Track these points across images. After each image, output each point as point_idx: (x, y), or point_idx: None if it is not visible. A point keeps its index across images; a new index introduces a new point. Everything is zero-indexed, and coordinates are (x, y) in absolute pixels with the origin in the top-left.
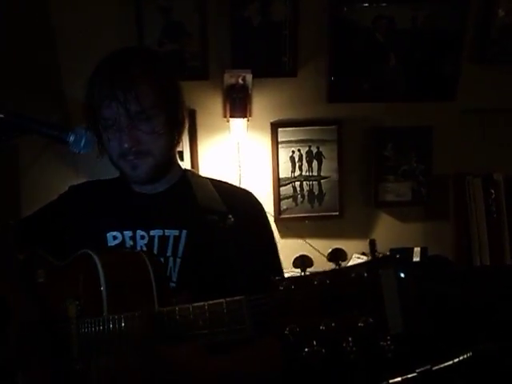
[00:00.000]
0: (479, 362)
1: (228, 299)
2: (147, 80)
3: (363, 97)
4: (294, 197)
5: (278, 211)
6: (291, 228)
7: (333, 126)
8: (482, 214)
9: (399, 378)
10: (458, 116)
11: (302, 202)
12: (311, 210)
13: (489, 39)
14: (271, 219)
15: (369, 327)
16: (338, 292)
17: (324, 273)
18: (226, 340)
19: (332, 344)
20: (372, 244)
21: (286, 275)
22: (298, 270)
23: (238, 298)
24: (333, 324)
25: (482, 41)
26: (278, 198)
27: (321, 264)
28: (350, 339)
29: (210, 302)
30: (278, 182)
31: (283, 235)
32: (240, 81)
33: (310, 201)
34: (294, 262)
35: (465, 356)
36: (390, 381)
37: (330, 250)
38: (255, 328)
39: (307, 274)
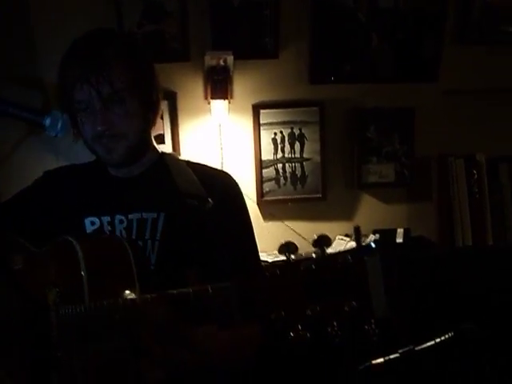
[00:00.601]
0: (461, 342)
1: (214, 285)
2: (120, 62)
3: (345, 78)
4: (276, 179)
5: (261, 194)
6: (274, 210)
7: (315, 108)
8: (465, 195)
9: (381, 359)
10: (440, 97)
11: (284, 184)
12: (294, 193)
13: (470, 20)
14: (254, 201)
15: (353, 311)
16: (323, 277)
17: (310, 259)
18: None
19: (317, 328)
20: (357, 231)
21: (269, 258)
22: (284, 257)
23: (224, 284)
24: (318, 309)
25: (463, 21)
26: (260, 181)
27: (304, 247)
28: (335, 323)
29: (196, 288)
30: (261, 164)
31: (266, 218)
32: (221, 62)
33: (293, 183)
34: (279, 249)
35: (446, 336)
36: (373, 362)
37: (315, 237)
38: (242, 313)
39: (293, 260)
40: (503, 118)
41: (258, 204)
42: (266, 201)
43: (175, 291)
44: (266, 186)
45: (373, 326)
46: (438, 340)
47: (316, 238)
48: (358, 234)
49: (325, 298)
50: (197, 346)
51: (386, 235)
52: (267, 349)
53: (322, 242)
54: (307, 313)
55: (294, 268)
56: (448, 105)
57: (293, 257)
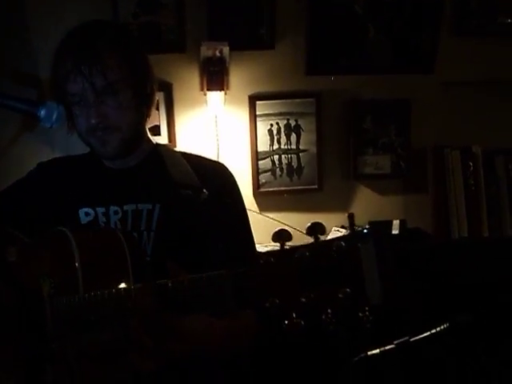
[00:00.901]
0: (456, 333)
1: (209, 273)
2: (113, 54)
3: (341, 69)
4: (272, 170)
5: (257, 185)
6: (270, 202)
7: (311, 99)
8: (461, 187)
9: (377, 350)
10: (436, 89)
11: (280, 175)
12: (290, 184)
13: (467, 11)
14: (250, 193)
15: (348, 298)
16: (317, 264)
17: (304, 246)
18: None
19: (311, 316)
20: (351, 218)
21: (265, 250)
22: (278, 245)
23: (218, 272)
24: (312, 296)
25: (460, 13)
26: (256, 172)
27: (299, 238)
28: (329, 311)
29: (190, 276)
30: (257, 156)
31: (262, 209)
32: (217, 53)
33: (289, 174)
34: (272, 237)
35: (442, 327)
36: (369, 353)
37: (309, 224)
38: (236, 302)
39: (287, 247)
40: (500, 110)
41: (254, 195)
42: (262, 192)
43: (169, 280)
44: (262, 178)
45: (367, 313)
46: (433, 331)
47: (310, 225)
48: (351, 221)
49: (319, 285)
50: (186, 335)
51: (382, 226)
52: (263, 337)
53: (316, 229)
54: (301, 300)
55: (288, 255)
56: (445, 96)
57: (288, 245)
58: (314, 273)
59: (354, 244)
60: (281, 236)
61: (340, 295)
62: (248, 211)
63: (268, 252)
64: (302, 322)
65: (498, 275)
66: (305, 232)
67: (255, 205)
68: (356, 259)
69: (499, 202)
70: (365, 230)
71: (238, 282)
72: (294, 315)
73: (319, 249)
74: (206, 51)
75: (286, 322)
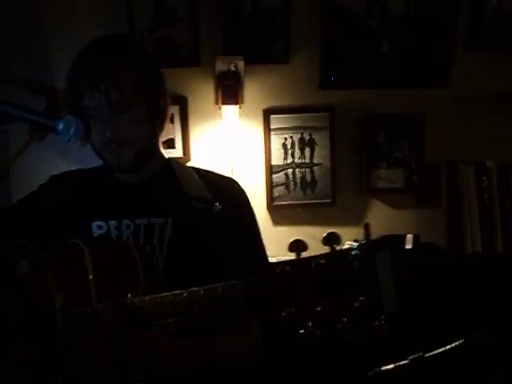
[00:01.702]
0: (471, 350)
1: (224, 283)
2: (128, 69)
3: (355, 83)
4: (286, 184)
5: (271, 198)
6: (284, 215)
7: (325, 113)
8: (475, 202)
9: (392, 365)
10: (450, 103)
11: (294, 189)
12: (304, 198)
13: (481, 26)
14: (263, 206)
15: (363, 307)
16: (333, 273)
17: (320, 255)
18: (220, 323)
19: (327, 324)
20: (366, 228)
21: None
22: (293, 255)
23: (233, 282)
24: (328, 304)
25: (474, 28)
26: (270, 186)
27: (315, 251)
28: (344, 319)
29: (206, 287)
30: (271, 169)
31: (276, 222)
32: (232, 67)
33: (303, 188)
34: (289, 246)
35: (457, 343)
36: (383, 368)
37: (325, 234)
38: (251, 311)
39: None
40: (508, 125)
41: (268, 209)
42: (276, 206)
43: (185, 291)
44: (276, 191)
45: (382, 322)
46: (448, 347)
47: (325, 235)
48: (367, 231)
49: (335, 293)
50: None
51: (395, 241)
52: (276, 347)
53: (332, 239)
54: (317, 309)
55: (304, 264)
56: (458, 111)
57: (303, 254)
58: (329, 281)
59: (370, 253)
60: (297, 246)
61: (356, 304)
62: (261, 224)
63: (284, 261)
64: (318, 332)
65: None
66: (321, 243)
67: (269, 218)
68: (372, 268)
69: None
70: (381, 240)
71: (251, 291)
72: (310, 324)
73: (335, 258)
74: (221, 65)
75: (302, 331)
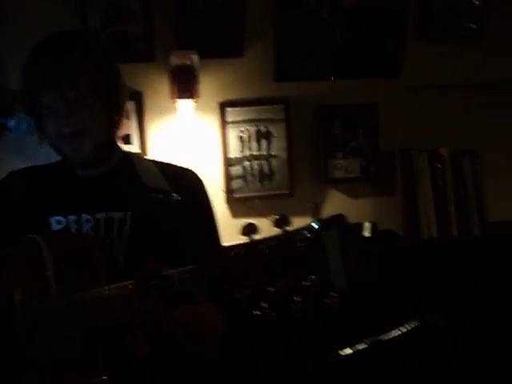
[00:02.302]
0: (426, 332)
1: (180, 269)
2: (87, 64)
3: (310, 75)
4: (244, 176)
5: (229, 191)
6: (242, 208)
7: (280, 105)
8: (429, 189)
9: (350, 350)
10: (403, 92)
11: (252, 181)
12: (262, 189)
13: (431, 16)
14: (222, 199)
15: (314, 285)
16: (284, 254)
17: (271, 237)
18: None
19: (280, 305)
20: (313, 208)
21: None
22: (246, 238)
23: (189, 267)
24: (279, 285)
25: (425, 17)
26: (228, 178)
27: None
28: (297, 299)
29: (164, 273)
30: (228, 162)
31: (234, 215)
32: (187, 62)
33: (261, 180)
34: (242, 230)
35: (412, 326)
36: (341, 353)
37: (277, 217)
38: (206, 294)
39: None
40: (465, 113)
41: (227, 201)
42: (234, 198)
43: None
44: (234, 184)
45: (333, 299)
46: (404, 330)
47: (277, 217)
48: (315, 212)
49: (285, 273)
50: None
51: (342, 219)
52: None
53: (283, 221)
54: (269, 289)
55: (256, 247)
56: (411, 100)
57: (255, 238)
58: (280, 262)
59: (318, 232)
60: (249, 229)
61: (306, 282)
62: (220, 217)
63: (236, 245)
64: (274, 313)
65: (467, 273)
66: (272, 223)
67: (228, 210)
68: (320, 246)
69: (467, 203)
70: (329, 220)
71: (208, 275)
72: (265, 305)
73: (284, 239)
74: (175, 60)
75: (258, 312)
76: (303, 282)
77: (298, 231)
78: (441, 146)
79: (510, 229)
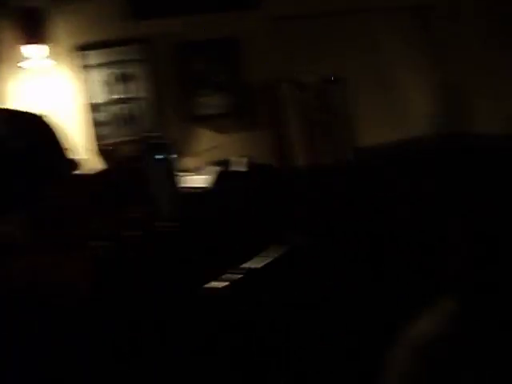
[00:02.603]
0: (294, 256)
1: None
2: None
3: (168, 11)
4: (109, 122)
5: (96, 138)
6: (111, 154)
7: (141, 45)
8: (296, 118)
9: (227, 282)
10: (265, 24)
11: (119, 126)
12: (131, 134)
13: None
14: (88, 147)
15: (141, 215)
16: (108, 190)
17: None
18: None
19: (113, 237)
20: (143, 141)
21: None
22: None
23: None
24: (109, 219)
25: None
26: (92, 125)
27: None
28: (127, 231)
29: None
30: (91, 108)
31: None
32: (34, 4)
33: (128, 124)
34: None
35: (282, 252)
36: (219, 284)
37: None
38: (36, 238)
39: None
40: (327, 41)
41: (93, 149)
42: (102, 144)
43: None
44: (100, 130)
45: (162, 226)
46: (276, 256)
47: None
48: (144, 147)
49: (113, 207)
50: None
51: (222, 165)
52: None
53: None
54: (98, 225)
55: (80, 183)
56: (273, 31)
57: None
58: (105, 196)
59: (143, 166)
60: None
61: (134, 214)
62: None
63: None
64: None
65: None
66: None
67: (96, 158)
68: (143, 179)
69: (335, 129)
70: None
71: (34, 217)
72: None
73: (103, 174)
74: (19, 2)
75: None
76: (132, 214)
77: (121, 166)
78: (305, 75)
79: (379, 152)
